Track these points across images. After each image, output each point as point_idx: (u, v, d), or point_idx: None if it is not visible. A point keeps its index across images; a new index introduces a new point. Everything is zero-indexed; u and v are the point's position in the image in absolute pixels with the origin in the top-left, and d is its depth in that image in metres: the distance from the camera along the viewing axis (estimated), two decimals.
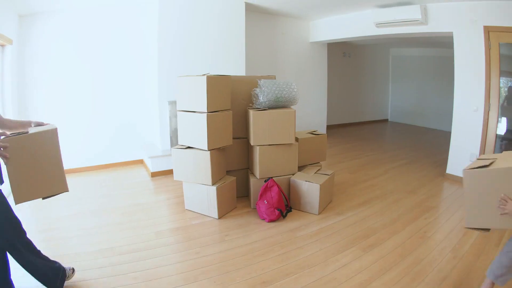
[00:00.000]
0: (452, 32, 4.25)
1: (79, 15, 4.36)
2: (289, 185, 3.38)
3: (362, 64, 8.78)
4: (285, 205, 3.26)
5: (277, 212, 3.08)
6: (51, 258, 2.06)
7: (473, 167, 1.71)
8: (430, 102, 8.34)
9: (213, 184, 3.10)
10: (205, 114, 2.94)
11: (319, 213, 3.27)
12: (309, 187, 3.21)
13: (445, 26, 4.32)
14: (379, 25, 5.14)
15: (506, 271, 1.80)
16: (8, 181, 1.66)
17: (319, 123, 7.08)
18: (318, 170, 3.59)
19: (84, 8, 4.37)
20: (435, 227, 2.96)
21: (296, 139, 3.49)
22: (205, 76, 2.90)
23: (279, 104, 3.24)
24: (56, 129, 1.80)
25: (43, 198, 1.81)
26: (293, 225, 3.06)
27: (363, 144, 6.57)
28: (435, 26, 4.46)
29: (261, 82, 3.16)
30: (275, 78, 3.49)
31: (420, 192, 3.88)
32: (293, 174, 3.42)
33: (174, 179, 3.30)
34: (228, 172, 3.49)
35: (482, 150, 4.07)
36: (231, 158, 3.51)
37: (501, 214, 1.60)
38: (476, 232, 2.77)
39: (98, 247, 2.63)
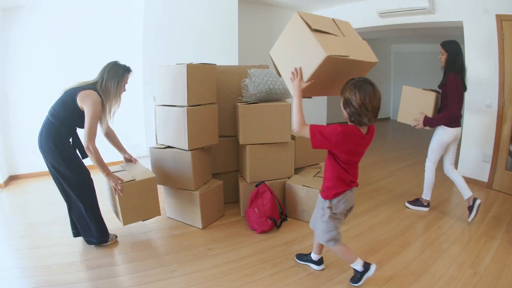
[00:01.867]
0: (461, 22, 3.95)
1: (62, 8, 4.06)
2: (284, 190, 2.96)
3: None
4: (279, 213, 2.85)
5: (269, 222, 2.67)
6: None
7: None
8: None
9: (195, 190, 2.68)
10: (186, 108, 2.53)
11: None
12: (307, 193, 2.79)
13: (454, 15, 4.04)
14: (382, 14, 4.84)
15: None
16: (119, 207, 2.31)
17: (318, 122, 6.69)
18: (318, 172, 3.17)
19: (68, 1, 4.03)
20: (451, 238, 2.61)
21: (292, 137, 3.07)
22: (185, 64, 2.49)
23: (272, 97, 2.82)
24: (154, 177, 2.50)
25: (143, 220, 2.55)
26: (288, 237, 2.65)
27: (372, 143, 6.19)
28: (443, 15, 4.18)
29: (252, 71, 2.75)
30: (268, 68, 3.08)
31: (431, 196, 3.45)
32: (288, 178, 3.00)
33: None
34: (215, 176, 3.08)
35: (496, 149, 3.77)
36: (218, 159, 3.10)
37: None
38: (496, 243, 2.52)
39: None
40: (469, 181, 3.78)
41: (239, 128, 2.84)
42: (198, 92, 2.62)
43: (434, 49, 7.73)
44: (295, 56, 1.77)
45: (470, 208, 2.87)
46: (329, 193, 1.83)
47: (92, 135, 2.14)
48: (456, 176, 3.01)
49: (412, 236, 2.66)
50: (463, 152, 4.11)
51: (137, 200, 2.39)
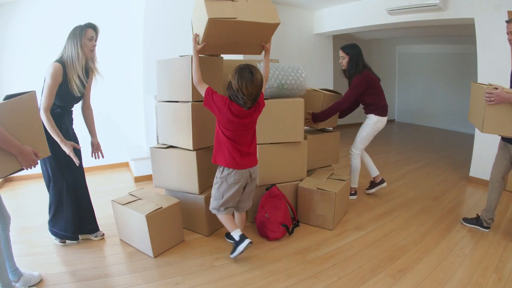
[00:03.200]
0: (473, 19, 3.80)
1: (60, 3, 3.90)
2: (296, 193, 2.75)
3: (368, 61, 8.21)
4: (291, 218, 2.63)
5: (281, 228, 2.44)
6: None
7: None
8: (439, 102, 7.91)
9: (200, 193, 2.46)
10: (190, 104, 2.32)
11: (334, 228, 2.65)
12: (322, 196, 2.58)
13: (465, 12, 3.88)
14: (391, 11, 4.64)
15: None
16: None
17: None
18: (331, 174, 2.95)
19: None
20: (472, 242, 2.48)
21: (305, 137, 2.86)
22: (189, 56, 2.29)
23: (283, 93, 2.61)
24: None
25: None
26: (302, 244, 2.43)
27: (372, 146, 5.90)
28: (454, 12, 4.01)
29: (261, 65, 2.54)
30: (278, 62, 2.87)
31: (446, 198, 3.39)
32: (301, 180, 2.79)
33: (154, 186, 2.68)
34: None
35: None
36: None
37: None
38: None
39: None
40: (482, 182, 3.74)
41: None
42: None
43: (440, 50, 7.70)
44: (196, 22, 2.07)
45: (374, 184, 3.34)
46: (215, 159, 2.08)
47: (44, 104, 2.08)
48: (366, 157, 3.32)
49: (432, 241, 2.49)
50: (475, 153, 3.95)
51: (164, 228, 2.28)
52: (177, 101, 2.43)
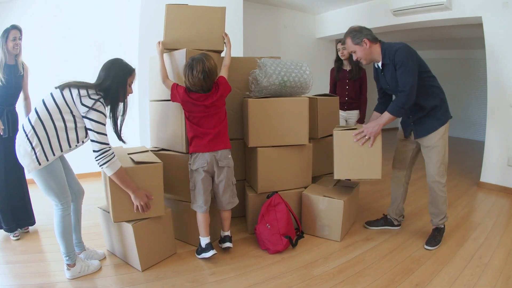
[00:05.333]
0: (480, 17, 3.71)
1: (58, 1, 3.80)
2: (301, 202, 2.52)
3: (371, 67, 8.07)
4: (295, 229, 2.40)
5: (284, 240, 2.21)
6: None
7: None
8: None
9: None
10: None
11: (342, 239, 2.42)
12: (328, 205, 2.35)
13: (472, 11, 3.81)
14: (397, 12, 4.55)
15: None
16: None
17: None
18: (338, 181, 2.73)
19: None
20: (490, 250, 2.32)
21: (310, 139, 2.64)
22: (184, 50, 2.10)
23: (286, 91, 2.40)
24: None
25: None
26: (307, 258, 2.20)
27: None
28: (461, 11, 3.94)
29: (262, 61, 2.35)
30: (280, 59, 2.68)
31: (459, 205, 3.25)
32: (305, 187, 2.57)
33: None
34: None
35: None
36: None
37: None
38: None
39: None
40: (494, 188, 3.71)
41: (247, 128, 2.40)
42: None
43: (444, 55, 7.52)
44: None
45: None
46: (190, 148, 2.12)
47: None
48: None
49: (448, 250, 2.30)
50: (486, 157, 3.84)
51: (154, 238, 2.09)
52: (168, 100, 2.23)
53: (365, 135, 2.18)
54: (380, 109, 2.57)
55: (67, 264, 1.87)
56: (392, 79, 2.18)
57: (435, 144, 2.25)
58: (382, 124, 2.17)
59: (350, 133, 2.23)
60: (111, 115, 1.88)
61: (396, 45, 2.12)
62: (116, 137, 1.96)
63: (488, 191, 3.69)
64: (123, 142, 1.99)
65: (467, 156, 5.34)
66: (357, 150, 2.23)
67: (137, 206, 1.91)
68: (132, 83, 1.99)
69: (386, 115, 2.16)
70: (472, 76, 6.90)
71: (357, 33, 2.14)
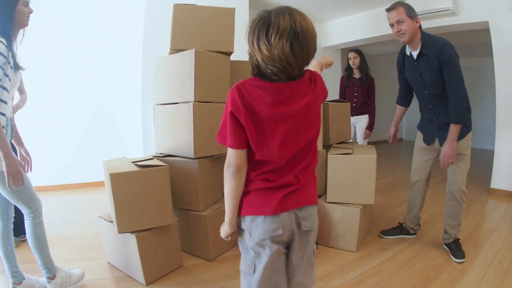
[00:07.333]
0: (487, 22, 3.70)
1: (59, 2, 3.69)
2: None
3: (376, 77, 7.99)
4: None
5: None
6: None
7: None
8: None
9: (202, 211, 2.10)
10: (191, 104, 2.00)
11: (358, 249, 2.28)
12: (344, 213, 2.22)
13: (479, 15, 3.81)
14: None
15: None
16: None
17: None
18: None
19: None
20: (508, 255, 2.26)
21: (324, 146, 2.53)
22: (193, 50, 2.00)
23: None
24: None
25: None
26: (323, 269, 2.06)
27: (385, 162, 5.74)
28: (468, 16, 3.94)
29: None
30: None
31: (472, 212, 3.20)
32: (319, 196, 2.44)
33: None
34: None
35: None
36: None
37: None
38: None
39: None
40: (505, 194, 3.67)
41: None
42: (208, 86, 2.11)
43: None
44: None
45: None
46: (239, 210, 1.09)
47: None
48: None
49: (467, 257, 2.20)
50: (496, 164, 3.81)
51: (159, 250, 1.94)
52: (176, 103, 2.12)
53: (449, 160, 2.04)
54: (403, 102, 2.50)
55: (47, 277, 1.73)
56: (427, 72, 2.03)
57: (463, 152, 2.12)
58: (455, 140, 2.02)
59: (344, 157, 2.21)
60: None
61: (439, 39, 1.97)
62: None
63: (499, 197, 3.66)
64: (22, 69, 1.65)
65: (475, 164, 5.19)
66: (351, 174, 2.21)
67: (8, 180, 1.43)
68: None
69: (454, 128, 2.00)
70: (480, 85, 6.81)
71: (412, 8, 1.98)
